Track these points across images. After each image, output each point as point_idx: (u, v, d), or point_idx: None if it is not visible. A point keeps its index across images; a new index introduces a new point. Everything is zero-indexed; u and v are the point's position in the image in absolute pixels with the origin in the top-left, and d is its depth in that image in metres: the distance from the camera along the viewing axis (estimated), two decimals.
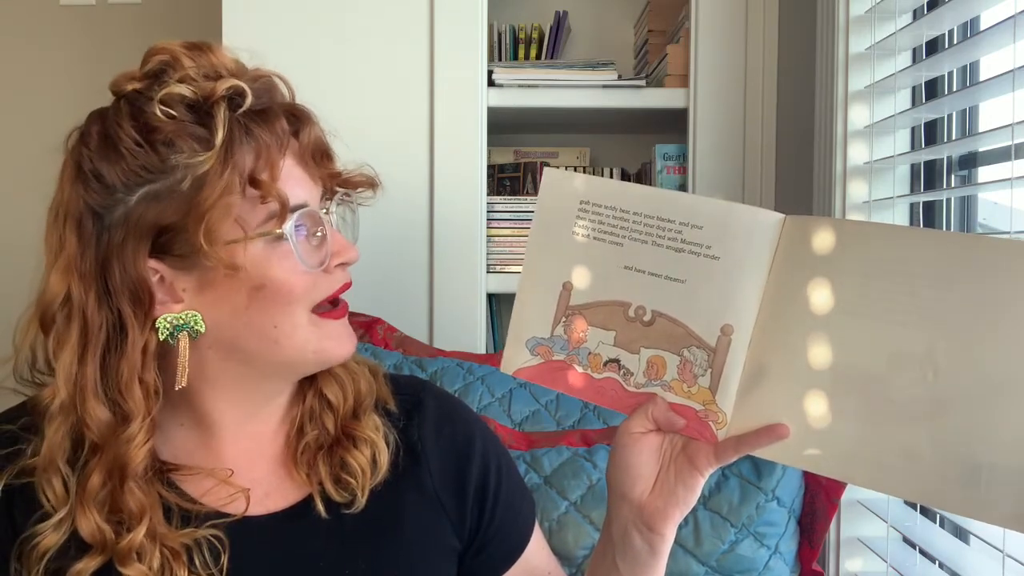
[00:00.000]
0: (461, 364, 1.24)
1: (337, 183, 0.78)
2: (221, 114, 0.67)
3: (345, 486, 0.76)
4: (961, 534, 1.05)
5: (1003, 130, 0.91)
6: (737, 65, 1.49)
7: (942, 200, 1.14)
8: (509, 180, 1.75)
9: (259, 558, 0.73)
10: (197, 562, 0.70)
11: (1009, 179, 0.91)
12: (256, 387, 0.76)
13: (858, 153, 1.20)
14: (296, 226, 0.70)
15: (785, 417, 0.67)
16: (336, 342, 0.75)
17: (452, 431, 0.82)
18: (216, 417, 0.75)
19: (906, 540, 1.12)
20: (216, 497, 0.74)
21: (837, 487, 1.04)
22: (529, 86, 1.53)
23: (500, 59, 1.78)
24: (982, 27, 1.04)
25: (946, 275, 0.61)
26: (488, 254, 1.50)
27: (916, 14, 1.17)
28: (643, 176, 1.76)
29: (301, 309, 0.72)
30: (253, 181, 0.68)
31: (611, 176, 1.81)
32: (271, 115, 0.70)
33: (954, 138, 1.14)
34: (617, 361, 0.73)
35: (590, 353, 0.74)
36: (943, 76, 1.14)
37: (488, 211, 1.50)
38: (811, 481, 1.07)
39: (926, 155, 1.14)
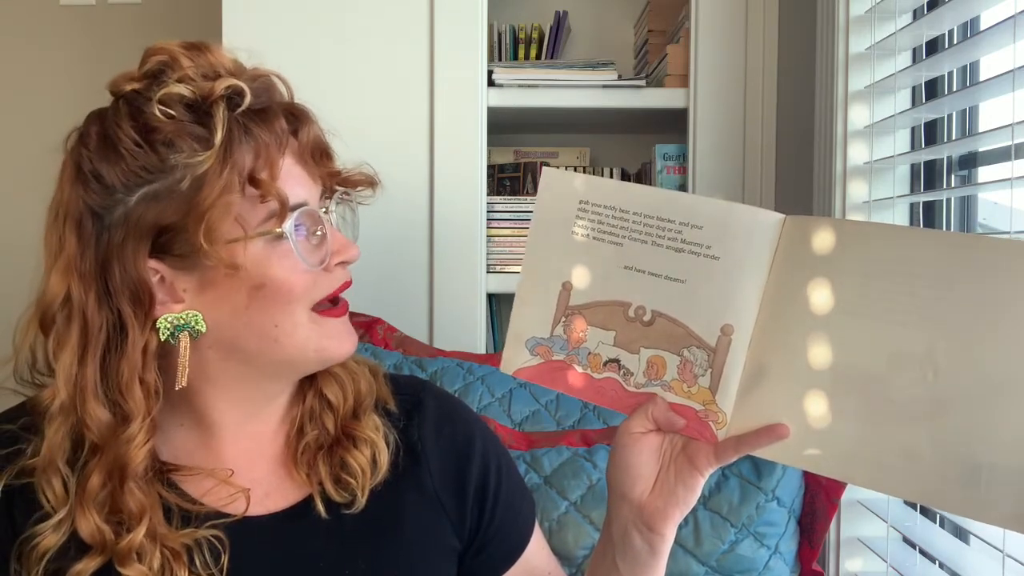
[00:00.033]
0: (461, 364, 1.24)
1: (336, 182, 0.78)
2: (220, 113, 0.67)
3: (345, 486, 0.76)
4: (961, 534, 1.05)
5: (1003, 130, 0.91)
6: (737, 65, 1.49)
7: (942, 200, 1.14)
8: (509, 180, 1.75)
9: (259, 558, 0.73)
10: (197, 562, 0.70)
11: (1009, 179, 0.91)
12: (257, 387, 0.76)
13: (858, 153, 1.20)
14: (296, 225, 0.70)
15: (785, 417, 0.67)
16: (337, 340, 0.75)
17: (452, 431, 0.82)
18: (216, 417, 0.75)
19: (906, 540, 1.12)
20: (216, 497, 0.74)
21: (837, 487, 1.04)
22: (529, 86, 1.53)
23: (500, 59, 1.78)
24: (982, 27, 1.04)
25: (946, 275, 0.61)
26: (488, 254, 1.50)
27: (916, 14, 1.17)
28: (643, 176, 1.76)
29: (301, 308, 0.72)
30: (253, 180, 0.68)
31: (611, 176, 1.81)
32: (270, 114, 0.70)
33: (954, 138, 1.14)
34: (617, 361, 0.73)
35: (590, 353, 0.74)
36: (943, 76, 1.14)
37: (488, 211, 1.50)
38: (811, 481, 1.07)
39: (926, 155, 1.14)
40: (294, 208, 0.70)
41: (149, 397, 0.69)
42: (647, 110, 1.56)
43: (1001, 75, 0.91)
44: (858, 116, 1.20)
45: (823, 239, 0.65)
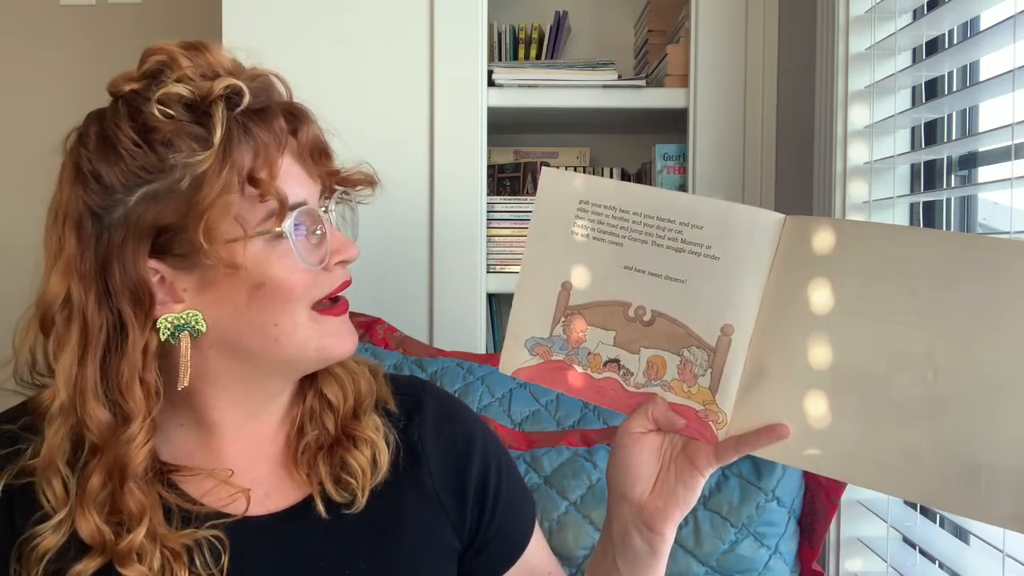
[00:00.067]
0: (461, 364, 1.24)
1: (336, 181, 0.78)
2: (219, 113, 0.67)
3: (345, 486, 0.76)
4: (961, 534, 1.05)
5: (1003, 130, 0.91)
6: (737, 65, 1.49)
7: (942, 200, 1.14)
8: (509, 180, 1.75)
9: (259, 558, 0.73)
10: (197, 562, 0.70)
11: (1009, 179, 0.91)
12: (257, 386, 0.76)
13: (858, 153, 1.20)
14: (295, 224, 0.70)
15: (785, 417, 0.67)
16: (337, 339, 0.75)
17: (452, 431, 0.82)
18: (216, 417, 0.75)
19: (906, 540, 1.12)
20: (216, 497, 0.74)
21: (837, 487, 1.04)
22: (529, 86, 1.53)
23: (500, 59, 1.78)
24: (982, 27, 1.04)
25: (946, 275, 0.61)
26: (488, 254, 1.50)
27: (916, 14, 1.17)
28: (643, 176, 1.76)
29: (301, 307, 0.72)
30: (252, 180, 0.68)
31: (611, 176, 1.81)
32: (269, 114, 0.71)
33: (954, 138, 1.14)
34: (617, 361, 0.73)
35: (589, 353, 0.74)
36: (943, 76, 1.14)
37: (488, 211, 1.50)
38: (811, 481, 1.07)
39: (926, 155, 1.14)
40: (293, 207, 0.70)
41: (149, 397, 0.69)
42: (647, 110, 1.55)
43: (1001, 75, 0.91)
44: (858, 116, 1.20)
45: (823, 239, 0.65)
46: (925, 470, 0.63)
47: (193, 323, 0.70)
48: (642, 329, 0.72)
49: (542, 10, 1.82)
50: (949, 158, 1.14)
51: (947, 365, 0.62)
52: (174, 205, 0.67)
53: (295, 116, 0.73)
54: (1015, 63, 0.90)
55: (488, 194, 1.50)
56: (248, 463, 0.76)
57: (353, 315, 0.79)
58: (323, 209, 0.76)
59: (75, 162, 0.69)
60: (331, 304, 0.75)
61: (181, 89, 0.68)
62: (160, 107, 0.67)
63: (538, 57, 1.78)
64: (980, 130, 1.10)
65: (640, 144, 1.85)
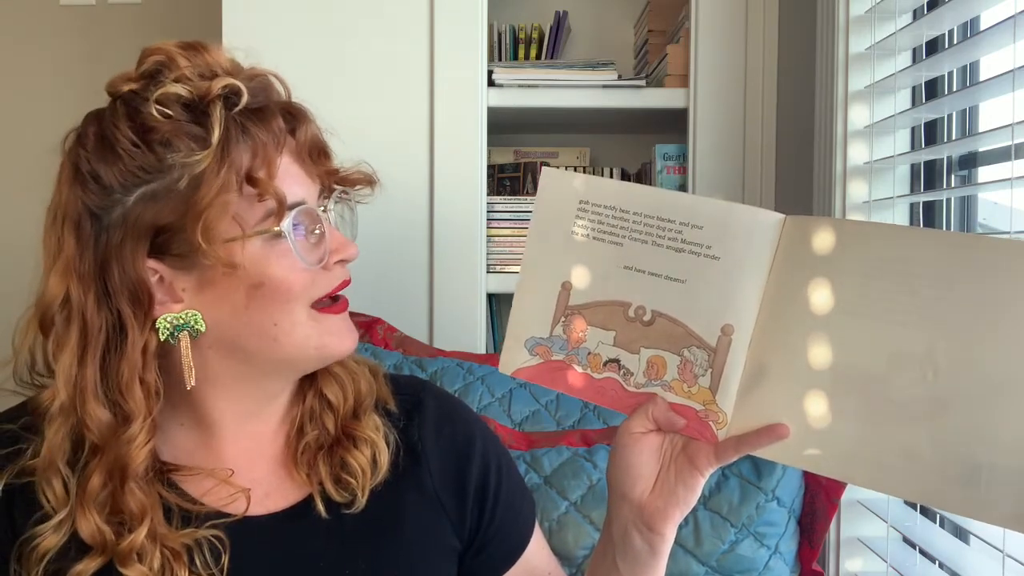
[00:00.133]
0: (461, 364, 1.24)
1: (335, 181, 0.78)
2: (217, 113, 0.67)
3: (345, 486, 0.76)
4: (961, 534, 1.05)
5: (1003, 130, 0.91)
6: (737, 65, 1.49)
7: (942, 200, 1.14)
8: (509, 180, 1.75)
9: (259, 558, 0.73)
10: (198, 562, 0.70)
11: (1009, 179, 0.91)
12: (257, 386, 0.76)
13: (858, 153, 1.20)
14: (294, 224, 0.70)
15: (785, 417, 0.67)
16: (337, 337, 0.75)
17: (452, 431, 0.82)
18: (216, 417, 0.75)
19: (906, 540, 1.12)
20: (216, 497, 0.74)
21: (837, 487, 1.04)
22: (529, 86, 1.53)
23: (500, 59, 1.78)
24: (982, 27, 1.04)
25: (946, 275, 0.61)
26: (488, 254, 1.50)
27: (916, 14, 1.16)
28: (643, 176, 1.76)
29: (300, 306, 0.72)
30: (250, 179, 0.68)
31: (611, 176, 1.81)
32: (267, 113, 0.70)
33: (954, 138, 1.14)
34: (617, 361, 0.73)
35: (590, 353, 0.74)
36: (943, 76, 1.14)
37: (488, 211, 1.50)
38: (811, 481, 1.07)
39: (926, 155, 1.13)
40: (292, 207, 0.70)
41: (149, 397, 0.69)
42: (647, 110, 1.55)
43: (1001, 75, 0.91)
44: (858, 116, 1.20)
45: (823, 239, 0.65)
46: (925, 470, 0.63)
47: (192, 323, 0.70)
48: (642, 329, 0.72)
49: (542, 10, 1.82)
50: (949, 158, 1.14)
51: (947, 365, 0.61)
52: (172, 205, 0.67)
53: (293, 116, 0.73)
54: (1015, 63, 0.90)
55: (488, 194, 1.50)
56: (248, 463, 0.76)
57: (353, 315, 0.79)
58: (322, 208, 0.76)
59: (74, 162, 0.69)
60: (331, 303, 0.75)
61: (179, 89, 0.68)
62: (158, 107, 0.67)
63: (538, 57, 1.78)
64: (980, 130, 1.10)
65: (640, 144, 1.85)
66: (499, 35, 1.79)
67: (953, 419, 0.61)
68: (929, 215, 1.17)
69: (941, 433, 0.62)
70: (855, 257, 0.64)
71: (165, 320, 0.70)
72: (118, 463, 0.68)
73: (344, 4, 1.44)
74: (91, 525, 0.68)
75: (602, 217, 0.73)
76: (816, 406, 0.66)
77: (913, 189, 1.19)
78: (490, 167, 1.70)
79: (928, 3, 1.14)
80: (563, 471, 1.07)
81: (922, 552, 1.09)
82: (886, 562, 1.09)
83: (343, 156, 0.79)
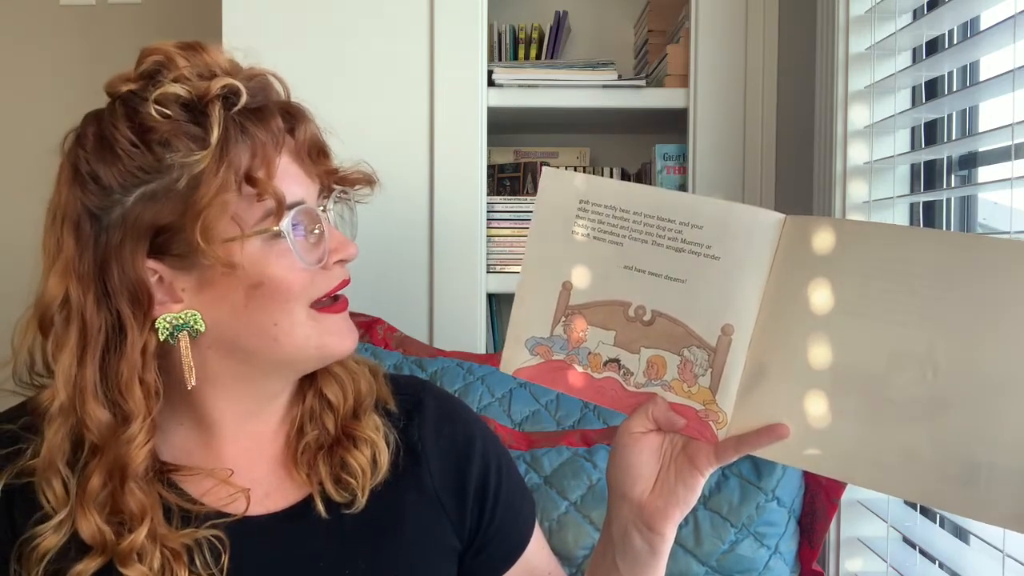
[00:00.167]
0: (461, 364, 1.23)
1: (334, 180, 0.78)
2: (216, 113, 0.67)
3: (345, 486, 0.75)
4: (961, 534, 1.05)
5: (1003, 130, 0.91)
6: (737, 65, 1.49)
7: (942, 200, 1.14)
8: (509, 180, 1.75)
9: (259, 558, 0.73)
10: (197, 562, 0.70)
11: (1009, 179, 0.91)
12: (257, 386, 0.76)
13: (858, 153, 1.20)
14: (293, 224, 0.70)
15: (785, 417, 0.67)
16: (338, 337, 0.75)
17: (452, 431, 0.82)
18: (216, 417, 0.75)
19: (906, 540, 1.12)
20: (216, 497, 0.74)
21: (837, 487, 1.04)
22: (529, 86, 1.53)
23: (500, 59, 1.78)
24: (982, 27, 1.04)
25: (946, 275, 0.61)
26: (488, 254, 1.50)
27: (916, 14, 1.16)
28: (643, 176, 1.76)
29: (300, 306, 0.72)
30: (249, 179, 0.68)
31: (611, 176, 1.81)
32: (266, 113, 0.70)
33: (954, 138, 1.14)
34: (617, 361, 0.73)
35: (590, 353, 0.74)
36: (943, 76, 1.14)
37: (488, 211, 1.50)
38: (811, 481, 1.07)
39: (926, 155, 1.13)
40: (291, 206, 0.70)
41: (149, 397, 0.69)
42: (647, 110, 1.55)
43: (1001, 75, 0.91)
44: (858, 116, 1.20)
45: (823, 239, 0.65)
46: (925, 470, 0.63)
47: (192, 323, 0.70)
48: (642, 329, 0.72)
49: (542, 10, 1.82)
50: (949, 158, 1.14)
51: (947, 365, 0.61)
52: (172, 205, 0.67)
53: (292, 115, 0.73)
54: (1015, 63, 0.90)
55: (488, 194, 1.50)
56: (248, 463, 0.76)
57: (353, 315, 0.79)
58: (321, 208, 0.76)
59: (73, 163, 0.69)
60: (330, 302, 0.75)
61: (178, 89, 0.68)
62: (157, 107, 0.67)
63: (538, 57, 1.78)
64: (980, 130, 1.10)
65: (640, 144, 1.85)
66: (499, 35, 1.79)
67: (953, 419, 0.61)
68: (929, 215, 1.17)
69: (941, 433, 0.62)
70: (855, 257, 0.64)
71: (165, 320, 0.70)
72: (118, 463, 0.68)
73: (344, 4, 1.44)
74: (91, 525, 0.68)
75: (602, 217, 0.73)
76: (816, 406, 0.66)
77: (913, 189, 1.19)
78: (490, 167, 1.70)
79: (928, 3, 1.14)
80: (563, 471, 1.07)
81: (922, 552, 1.09)
82: (886, 562, 1.09)
83: (343, 156, 0.79)
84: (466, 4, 1.44)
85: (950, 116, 1.14)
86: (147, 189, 0.67)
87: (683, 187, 1.58)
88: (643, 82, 1.55)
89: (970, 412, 0.61)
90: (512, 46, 1.79)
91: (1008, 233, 0.96)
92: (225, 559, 0.71)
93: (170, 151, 0.67)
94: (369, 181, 0.80)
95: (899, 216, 1.18)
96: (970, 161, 1.12)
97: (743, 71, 1.49)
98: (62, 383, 0.68)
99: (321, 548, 0.75)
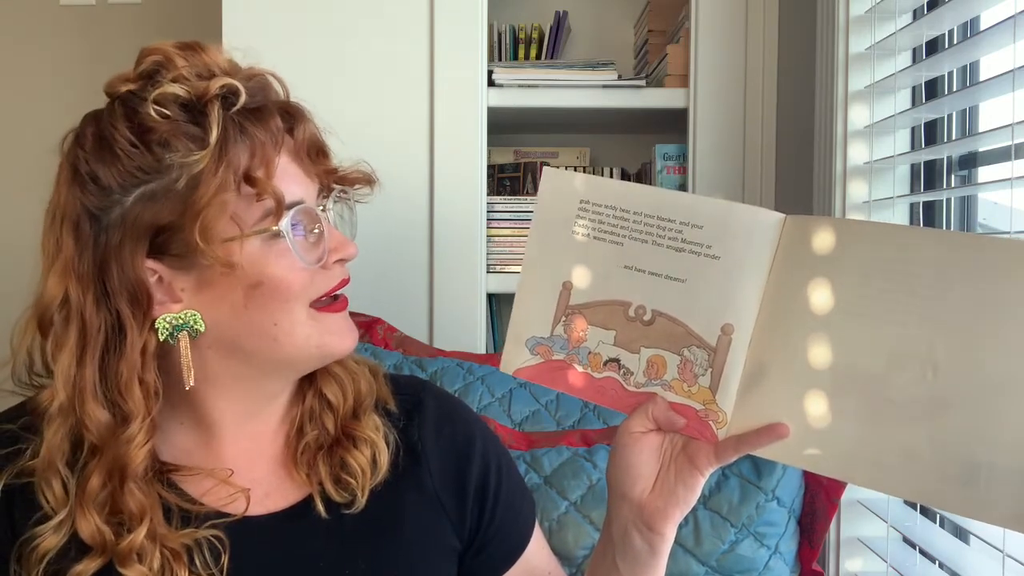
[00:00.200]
0: (461, 364, 1.23)
1: (334, 180, 0.78)
2: (215, 113, 0.67)
3: (345, 486, 0.75)
4: (961, 534, 1.05)
5: (1003, 130, 0.91)
6: (737, 65, 1.49)
7: (942, 200, 1.14)
8: (509, 180, 1.75)
9: (259, 558, 0.73)
10: (197, 562, 0.70)
11: (1009, 179, 0.91)
12: (257, 386, 0.76)
13: (858, 153, 1.20)
14: (292, 223, 0.70)
15: (785, 417, 0.67)
16: (338, 336, 0.75)
17: (452, 431, 0.82)
18: (216, 417, 0.75)
19: (906, 540, 1.12)
20: (216, 497, 0.74)
21: (837, 487, 1.04)
22: (529, 86, 1.53)
23: (500, 59, 1.78)
24: (982, 27, 1.04)
25: (946, 275, 0.61)
26: (488, 254, 1.50)
27: (916, 14, 1.16)
28: (643, 176, 1.76)
29: (300, 306, 0.72)
30: (248, 179, 0.68)
31: (611, 176, 1.81)
32: (265, 113, 0.70)
33: (954, 138, 1.14)
34: (617, 360, 0.73)
35: (590, 352, 0.74)
36: (943, 76, 1.14)
37: (488, 211, 1.50)
38: (811, 481, 1.07)
39: (926, 155, 1.13)
40: (290, 206, 0.70)
41: (149, 397, 0.69)
42: (647, 110, 1.55)
43: (1001, 75, 0.91)
44: (858, 116, 1.20)
45: (823, 239, 0.65)
46: (925, 470, 0.63)
47: (191, 323, 0.70)
48: (642, 329, 0.72)
49: (542, 10, 1.82)
50: (949, 158, 1.14)
51: (947, 365, 0.61)
52: (171, 205, 0.67)
53: (292, 115, 0.73)
54: (1015, 63, 0.90)
55: (488, 194, 1.50)
56: (248, 463, 0.76)
57: (353, 315, 0.79)
58: (321, 208, 0.76)
59: (72, 163, 0.69)
60: (330, 302, 0.75)
61: (177, 89, 0.68)
62: (156, 107, 0.67)
63: (538, 57, 1.78)
64: (980, 130, 1.10)
65: (640, 144, 1.85)
66: (499, 35, 1.79)
67: (953, 419, 0.61)
68: (929, 215, 1.17)
69: (941, 433, 0.62)
70: (855, 257, 0.64)
71: (164, 320, 0.70)
72: (117, 463, 0.68)
73: (344, 4, 1.44)
74: (91, 525, 0.68)
75: (603, 217, 0.73)
76: (816, 406, 0.66)
77: (913, 189, 1.19)
78: (490, 167, 1.70)
79: (928, 3, 1.14)
80: (563, 471, 1.07)
81: (922, 552, 1.09)
82: (886, 562, 1.09)
83: (342, 155, 0.79)
84: (466, 4, 1.44)
85: (950, 116, 1.14)
86: (146, 189, 0.67)
87: (683, 187, 1.58)
88: (643, 82, 1.55)
89: (970, 412, 0.61)
90: (512, 46, 1.79)
91: (1008, 233, 0.96)
92: (225, 559, 0.71)
93: (169, 151, 0.67)
94: (369, 181, 0.80)
95: (899, 216, 1.18)
96: (970, 161, 1.12)
97: (743, 71, 1.49)
98: (61, 383, 0.68)
99: (321, 548, 0.75)
